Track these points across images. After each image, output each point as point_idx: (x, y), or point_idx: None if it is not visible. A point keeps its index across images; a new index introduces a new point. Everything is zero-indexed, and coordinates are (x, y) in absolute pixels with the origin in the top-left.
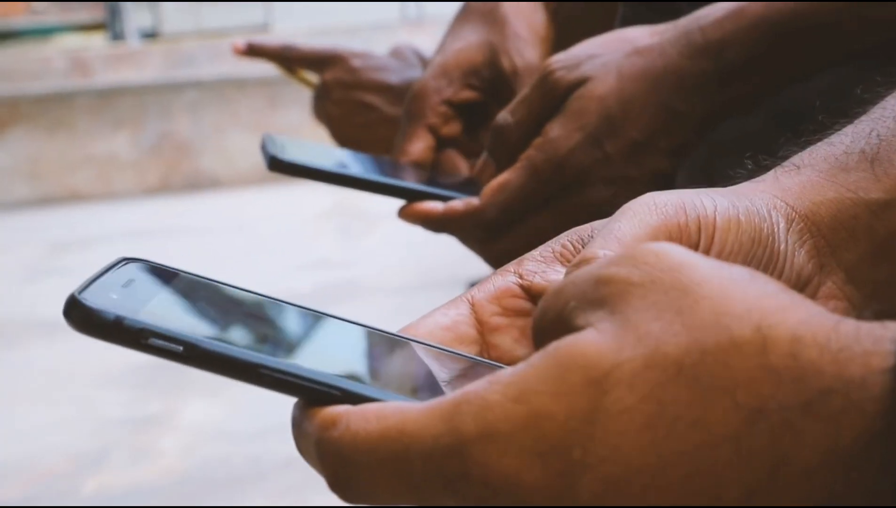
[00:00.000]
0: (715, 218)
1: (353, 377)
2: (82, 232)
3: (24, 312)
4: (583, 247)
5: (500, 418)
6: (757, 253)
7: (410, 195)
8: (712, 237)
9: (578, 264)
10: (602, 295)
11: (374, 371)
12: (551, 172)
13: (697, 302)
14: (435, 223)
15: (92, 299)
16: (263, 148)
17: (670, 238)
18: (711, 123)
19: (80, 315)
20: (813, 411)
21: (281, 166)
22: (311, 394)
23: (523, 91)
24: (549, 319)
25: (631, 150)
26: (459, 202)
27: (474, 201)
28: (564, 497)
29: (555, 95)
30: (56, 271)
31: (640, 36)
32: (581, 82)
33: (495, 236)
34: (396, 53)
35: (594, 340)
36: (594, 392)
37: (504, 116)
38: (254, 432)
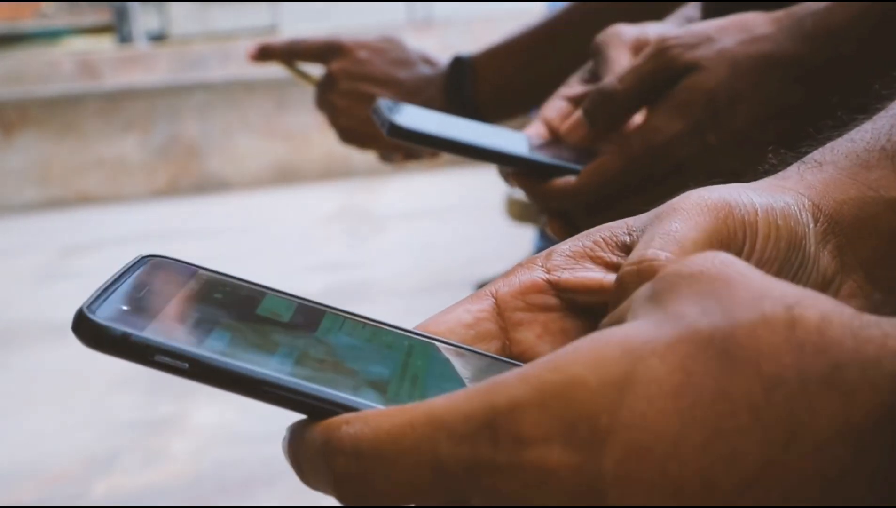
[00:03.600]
0: (757, 222)
1: (365, 391)
2: (92, 235)
3: (35, 315)
4: (616, 246)
5: (535, 386)
6: (791, 257)
7: (522, 165)
8: (755, 243)
9: (640, 265)
10: (654, 290)
11: (388, 381)
12: (648, 160)
13: (737, 289)
14: (536, 196)
15: (100, 312)
16: (378, 114)
17: (721, 243)
18: (822, 117)
19: (88, 331)
20: (830, 382)
21: (399, 133)
22: (317, 412)
23: (636, 62)
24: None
25: (734, 141)
26: (560, 180)
27: (573, 179)
28: (587, 466)
29: (667, 72)
30: (66, 273)
31: (759, 24)
32: (694, 67)
33: (592, 215)
34: (388, 41)
35: (635, 323)
36: (628, 361)
37: (612, 81)
38: (265, 434)
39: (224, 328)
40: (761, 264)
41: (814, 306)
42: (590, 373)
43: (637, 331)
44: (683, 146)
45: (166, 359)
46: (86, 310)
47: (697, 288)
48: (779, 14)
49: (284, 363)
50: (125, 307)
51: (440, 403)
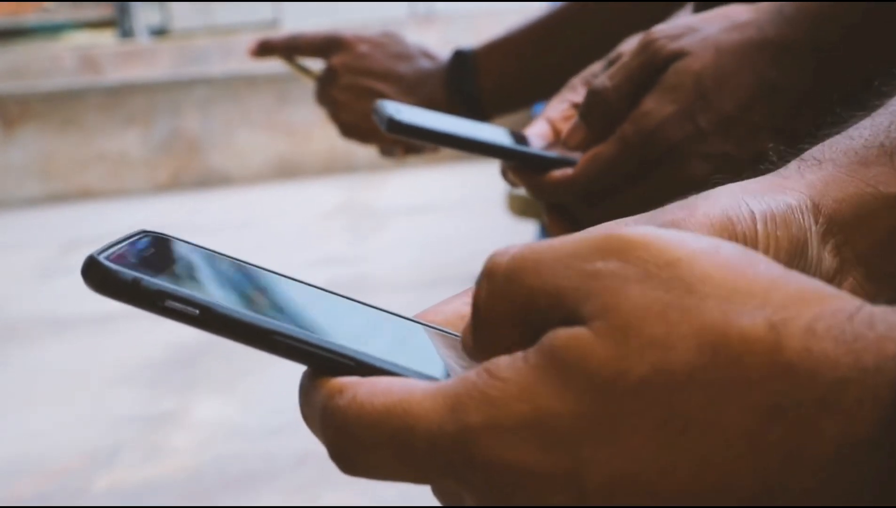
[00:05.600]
0: (757, 235)
1: (366, 350)
2: (94, 230)
3: (37, 310)
4: None
5: (505, 413)
6: (792, 264)
7: (519, 159)
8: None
9: None
10: (591, 289)
11: (387, 348)
12: (641, 145)
13: (703, 301)
14: (533, 188)
15: (111, 261)
16: (378, 112)
17: None
18: (812, 101)
19: (99, 275)
20: (828, 404)
21: (398, 128)
22: (324, 363)
23: (623, 58)
24: (516, 308)
25: (725, 124)
26: (557, 172)
27: (570, 171)
28: (571, 488)
29: (654, 64)
30: (68, 269)
31: (741, 12)
32: (679, 55)
33: (590, 205)
34: (388, 35)
35: (593, 344)
36: (601, 399)
37: (602, 80)
38: (267, 429)
39: (231, 286)
40: None
41: (795, 317)
42: (561, 406)
43: (598, 359)
44: (675, 129)
45: (177, 305)
46: (97, 256)
47: (654, 296)
48: (759, 4)
49: (291, 321)
50: (133, 260)
51: (417, 397)
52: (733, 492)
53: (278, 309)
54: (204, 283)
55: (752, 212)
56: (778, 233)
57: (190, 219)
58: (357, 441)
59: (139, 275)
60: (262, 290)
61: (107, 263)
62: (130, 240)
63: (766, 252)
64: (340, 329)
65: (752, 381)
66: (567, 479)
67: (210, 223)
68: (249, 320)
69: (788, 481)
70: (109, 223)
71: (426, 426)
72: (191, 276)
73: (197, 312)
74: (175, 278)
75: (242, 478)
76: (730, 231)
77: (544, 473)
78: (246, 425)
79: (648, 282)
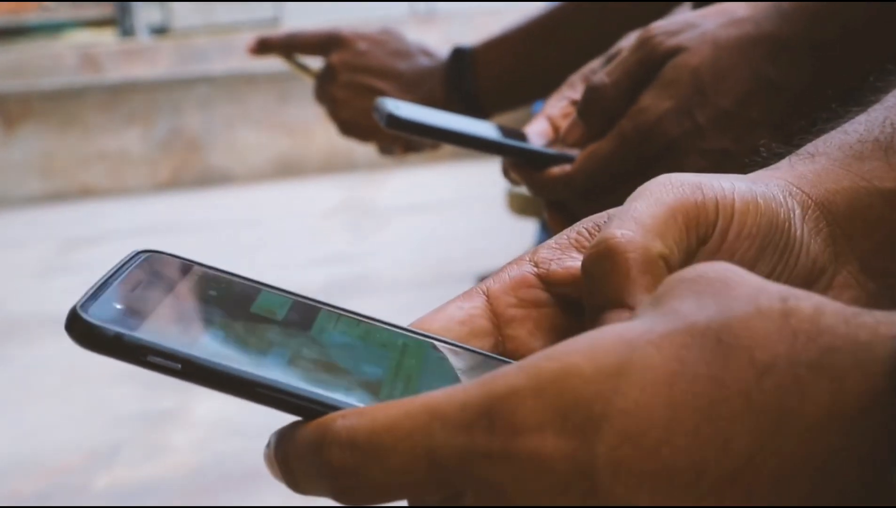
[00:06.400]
0: (734, 199)
1: (359, 393)
2: (94, 228)
3: (37, 308)
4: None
5: (531, 374)
6: (774, 237)
7: (518, 155)
8: (731, 218)
9: (597, 247)
10: (655, 295)
11: (382, 382)
12: (639, 141)
13: (734, 286)
14: (533, 185)
15: (94, 311)
16: (378, 108)
17: (687, 216)
18: (810, 98)
19: (81, 330)
20: (820, 368)
21: (398, 124)
22: (309, 413)
23: (622, 55)
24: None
25: (723, 119)
26: (556, 168)
27: (568, 167)
28: (581, 453)
29: (652, 60)
30: (68, 267)
31: (739, 8)
32: (677, 51)
33: (589, 202)
34: (387, 33)
35: (634, 320)
36: (624, 350)
37: (600, 76)
38: (267, 427)
39: (218, 327)
40: (740, 240)
41: (808, 297)
42: (585, 361)
43: (634, 324)
44: (673, 125)
45: (158, 359)
46: (79, 309)
47: (696, 288)
48: (758, 2)
49: (278, 363)
50: (119, 306)
51: (437, 394)
52: (730, 452)
53: (270, 342)
54: (192, 322)
55: (730, 182)
56: (759, 200)
57: (190, 217)
58: (367, 453)
59: (121, 329)
60: (258, 316)
61: (88, 318)
62: (120, 270)
63: (743, 214)
64: (338, 360)
65: (756, 341)
66: (577, 442)
67: (210, 222)
68: (233, 373)
69: (779, 443)
70: (110, 222)
71: (447, 413)
72: (178, 315)
73: (179, 366)
74: (161, 321)
75: (243, 476)
76: (695, 189)
77: (557, 445)
78: (246, 423)
79: (699, 278)
